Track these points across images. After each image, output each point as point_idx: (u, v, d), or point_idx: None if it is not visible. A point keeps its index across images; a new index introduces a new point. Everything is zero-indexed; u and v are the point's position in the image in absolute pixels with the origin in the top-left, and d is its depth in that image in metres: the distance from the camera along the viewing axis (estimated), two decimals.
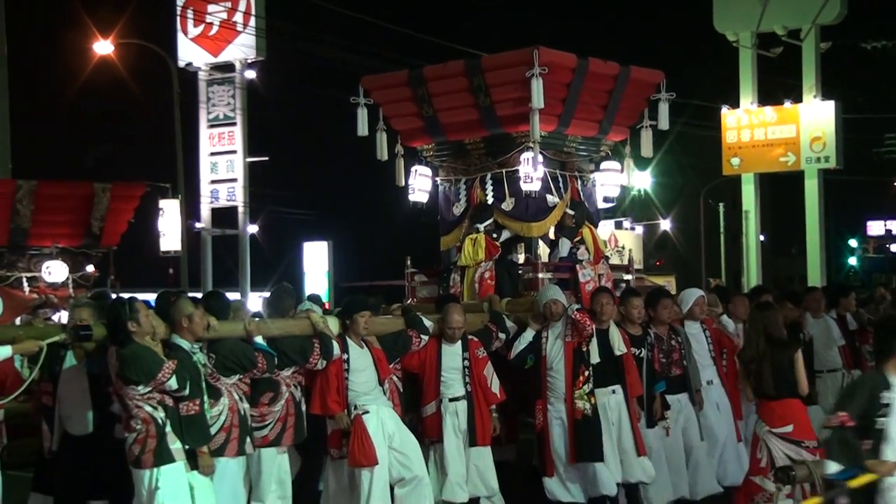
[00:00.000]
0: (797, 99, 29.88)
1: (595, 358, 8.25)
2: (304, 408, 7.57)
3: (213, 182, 30.32)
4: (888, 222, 54.78)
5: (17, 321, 10.27)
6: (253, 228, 31.27)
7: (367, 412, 7.55)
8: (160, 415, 6.34)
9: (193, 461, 6.44)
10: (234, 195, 30.02)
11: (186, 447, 6.41)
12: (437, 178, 10.46)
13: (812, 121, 29.45)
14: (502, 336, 8.57)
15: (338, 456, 7.60)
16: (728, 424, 9.05)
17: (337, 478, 7.70)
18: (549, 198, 9.87)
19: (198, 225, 29.91)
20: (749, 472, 7.72)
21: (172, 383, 6.32)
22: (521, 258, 10.14)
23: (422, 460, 7.75)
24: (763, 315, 7.52)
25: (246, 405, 7.13)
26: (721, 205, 44.27)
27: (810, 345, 10.40)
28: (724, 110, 30.89)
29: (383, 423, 7.61)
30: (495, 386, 8.22)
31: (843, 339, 10.62)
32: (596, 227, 10.34)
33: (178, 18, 30.03)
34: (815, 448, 7.11)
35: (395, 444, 7.63)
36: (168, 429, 6.34)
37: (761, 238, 32.47)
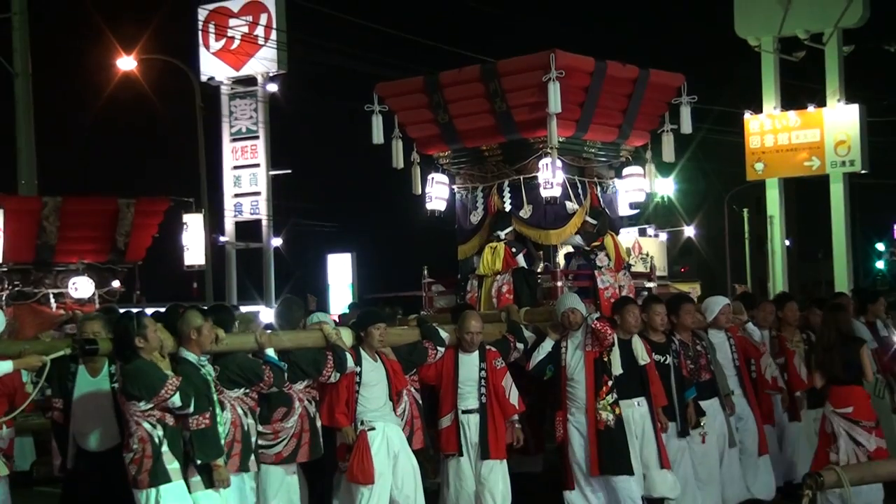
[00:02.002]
0: (821, 103, 29.68)
1: (618, 369, 8.13)
2: (318, 423, 7.45)
3: (237, 196, 30.45)
4: None
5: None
6: (277, 241, 31.39)
7: (373, 429, 7.45)
8: (158, 433, 6.26)
9: (207, 475, 6.36)
10: (258, 209, 30.13)
11: (198, 462, 6.33)
12: (454, 186, 10.37)
13: (836, 124, 29.25)
14: (520, 346, 8.46)
15: (343, 469, 7.51)
16: (752, 435, 8.93)
17: (347, 492, 7.58)
18: (569, 205, 9.75)
19: (222, 239, 30.03)
20: (821, 445, 8.55)
21: (176, 400, 6.24)
22: (541, 266, 10.04)
23: (416, 484, 7.60)
24: (835, 315, 8.69)
25: (251, 420, 7.02)
26: (745, 210, 44.03)
27: None
28: (747, 115, 30.71)
29: (389, 440, 7.49)
30: (514, 397, 8.09)
31: (875, 343, 10.47)
32: (617, 234, 10.24)
33: (200, 33, 30.25)
34: (871, 427, 8.23)
35: (396, 465, 7.50)
36: (165, 448, 6.26)
37: (787, 243, 32.24)
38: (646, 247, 31.96)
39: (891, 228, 56.34)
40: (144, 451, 6.24)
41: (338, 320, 10.40)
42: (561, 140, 9.39)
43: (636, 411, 8.19)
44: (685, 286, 28.64)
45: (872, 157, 30.00)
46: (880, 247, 53.69)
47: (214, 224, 28.80)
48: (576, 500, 8.19)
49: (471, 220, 10.09)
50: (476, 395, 8.05)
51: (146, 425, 6.25)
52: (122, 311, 8.14)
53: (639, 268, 11.39)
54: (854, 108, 29.20)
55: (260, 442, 7.16)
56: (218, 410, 6.58)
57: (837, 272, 29.28)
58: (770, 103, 30.17)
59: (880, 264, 53.60)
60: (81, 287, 16.95)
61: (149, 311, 7.14)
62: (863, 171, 29.68)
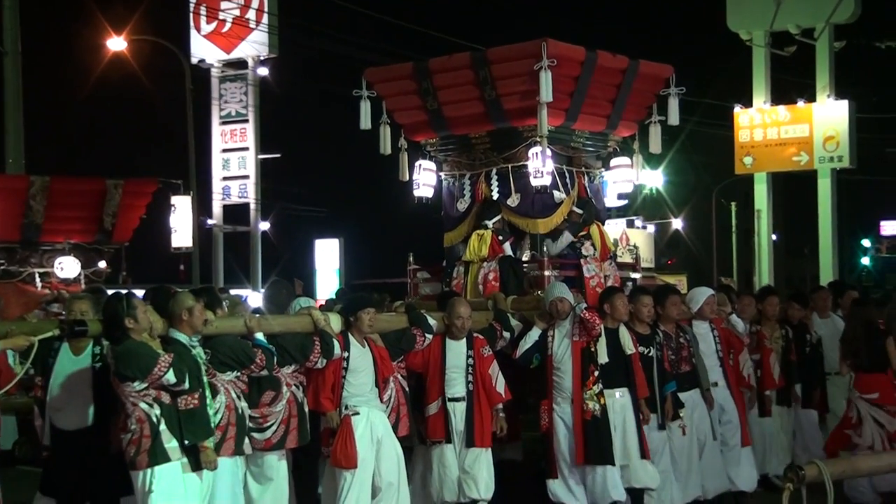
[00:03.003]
0: (810, 98, 29.76)
1: (604, 358, 8.15)
2: (306, 409, 7.45)
3: (225, 179, 30.42)
4: None
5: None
6: (265, 225, 31.33)
7: (357, 413, 7.44)
8: (155, 412, 6.24)
9: (195, 457, 6.35)
10: (246, 192, 30.11)
11: (187, 443, 6.32)
12: (442, 174, 10.35)
13: (825, 120, 29.33)
14: (507, 335, 8.47)
15: (326, 454, 7.51)
16: (734, 427, 8.96)
17: (332, 478, 7.58)
18: (556, 194, 9.75)
19: (209, 221, 29.99)
20: (841, 426, 9.24)
21: (170, 377, 6.21)
22: (527, 255, 10.05)
23: (400, 470, 7.61)
24: (862, 309, 9.42)
25: (244, 404, 7.01)
26: (733, 204, 44.13)
27: (818, 346, 10.32)
28: (737, 109, 30.78)
29: (373, 426, 7.49)
30: (500, 385, 8.11)
31: None
32: (603, 224, 10.25)
33: (192, 15, 30.16)
34: (894, 411, 8.83)
35: (380, 450, 7.51)
36: (163, 427, 6.24)
37: (774, 238, 32.35)
38: (633, 238, 31.99)
39: (877, 225, 56.58)
40: (143, 431, 6.22)
41: (323, 304, 10.42)
42: (550, 129, 9.38)
43: (617, 402, 8.20)
44: (672, 278, 28.70)
45: (860, 153, 30.12)
46: (866, 243, 53.91)
47: (202, 207, 28.74)
48: (559, 490, 8.20)
49: (458, 208, 10.08)
50: (463, 383, 8.07)
51: (143, 405, 6.23)
52: (110, 291, 8.11)
53: (626, 259, 11.41)
54: (843, 104, 29.29)
55: (249, 425, 7.15)
56: (208, 393, 6.57)
57: (823, 267, 29.40)
58: (760, 97, 30.24)
59: (866, 260, 53.81)
60: (67, 267, 16.92)
61: (139, 292, 7.10)
62: (851, 167, 29.80)
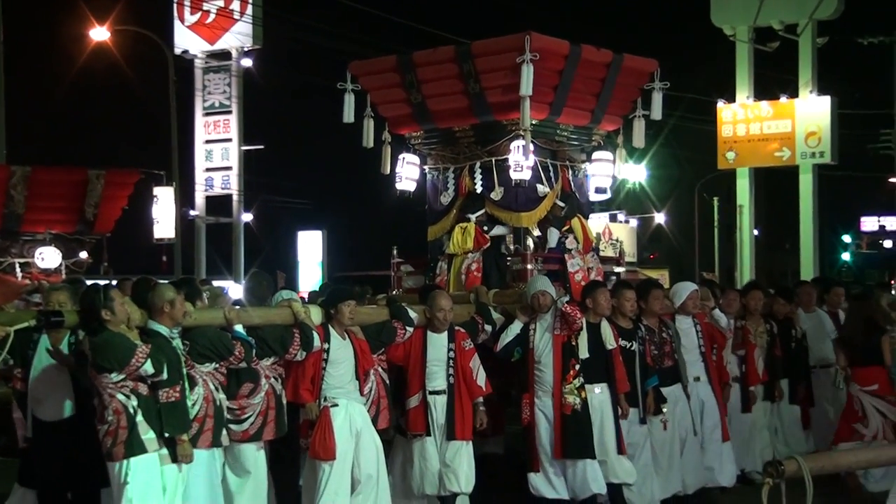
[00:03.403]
0: (793, 94, 29.88)
1: (584, 353, 8.15)
2: (284, 401, 7.43)
3: (208, 170, 30.37)
4: (882, 218, 54.81)
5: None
6: (247, 217, 31.30)
7: (335, 405, 7.43)
8: (132, 403, 6.21)
9: (172, 449, 6.34)
10: (229, 183, 30.08)
11: (166, 435, 6.30)
12: (425, 167, 10.30)
13: (807, 116, 29.46)
14: (488, 328, 8.45)
15: (305, 446, 7.49)
16: (714, 422, 8.98)
17: (312, 470, 7.55)
18: (540, 187, 9.72)
19: (192, 213, 29.93)
20: (847, 420, 9.34)
21: (148, 367, 6.19)
22: (511, 248, 10.04)
23: (380, 462, 7.59)
24: (861, 304, 9.67)
25: (222, 395, 6.99)
26: (716, 199, 44.29)
27: (803, 340, 10.37)
28: (720, 104, 30.89)
29: (351, 418, 7.47)
30: (481, 379, 8.10)
31: (836, 333, 10.59)
32: (587, 217, 10.24)
33: (175, 6, 30.04)
34: (894, 401, 9.04)
35: (359, 443, 7.50)
36: (140, 418, 6.22)
37: (755, 233, 32.49)
38: (616, 232, 32.06)
39: (857, 221, 56.94)
40: (119, 422, 6.20)
41: (306, 298, 10.41)
42: (534, 123, 9.36)
43: (595, 397, 8.19)
44: (654, 272, 28.81)
45: (842, 149, 30.26)
46: (846, 239, 54.26)
47: (185, 198, 28.66)
48: (540, 483, 8.21)
49: (441, 201, 10.04)
50: (444, 376, 8.05)
51: (120, 396, 6.21)
52: (89, 282, 8.08)
53: (608, 253, 11.41)
54: (825, 100, 29.43)
55: (227, 417, 7.13)
56: (187, 386, 6.56)
57: (804, 262, 29.55)
58: (743, 93, 30.35)
59: (846, 256, 54.16)
60: (48, 257, 16.88)
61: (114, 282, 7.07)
62: (832, 163, 29.94)
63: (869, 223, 57.40)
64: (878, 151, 33.91)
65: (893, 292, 11.05)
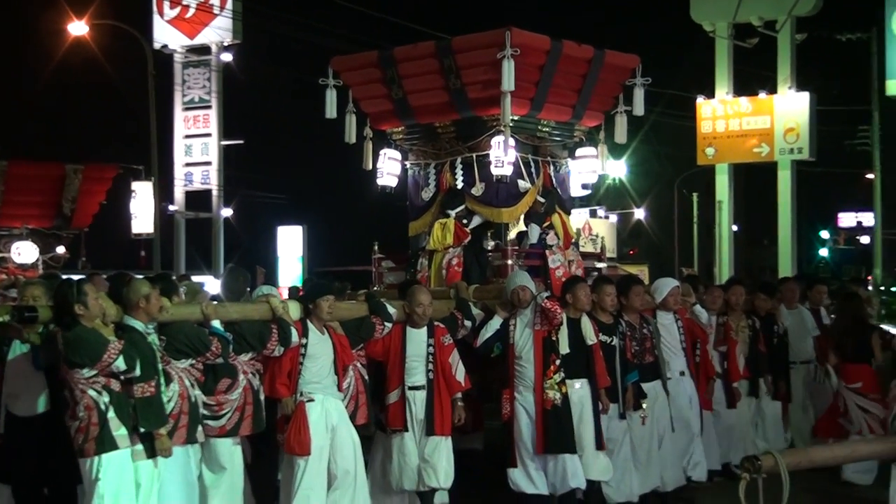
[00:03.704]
0: (772, 90, 30.01)
1: (565, 348, 8.15)
2: (262, 397, 7.42)
3: (188, 165, 30.25)
4: (859, 214, 55.03)
5: None
6: (227, 212, 31.20)
7: (311, 400, 7.41)
8: (104, 400, 6.19)
9: (150, 444, 6.32)
10: (209, 178, 29.96)
11: (142, 430, 6.28)
12: (407, 163, 10.30)
13: (786, 112, 29.60)
14: (468, 323, 8.45)
15: (281, 441, 7.47)
16: (696, 417, 9.02)
17: (289, 465, 7.53)
18: (521, 183, 9.72)
19: (171, 208, 29.81)
20: (831, 415, 9.69)
21: (120, 364, 6.17)
22: (491, 244, 10.05)
23: (357, 458, 7.58)
24: (851, 303, 9.85)
25: (197, 392, 6.98)
26: (695, 195, 44.44)
27: (785, 336, 10.42)
28: (700, 100, 30.98)
29: (328, 413, 7.45)
30: (460, 374, 8.10)
31: (817, 330, 10.65)
32: (569, 214, 10.25)
33: (154, 0, 29.87)
34: (878, 399, 9.25)
35: (335, 438, 7.49)
36: (111, 414, 6.20)
37: (734, 228, 32.62)
38: (596, 228, 32.20)
39: (835, 217, 57.22)
40: (90, 418, 6.17)
41: (287, 293, 10.38)
42: (515, 118, 9.36)
43: (575, 392, 8.19)
44: (633, 268, 28.90)
45: (820, 145, 30.41)
46: (824, 234, 54.54)
47: (164, 193, 28.53)
48: (519, 478, 8.21)
49: (422, 197, 10.04)
50: (423, 371, 8.04)
51: (91, 392, 6.18)
52: (64, 277, 8.04)
53: (588, 248, 11.42)
54: (804, 96, 29.56)
55: (204, 413, 7.12)
56: (163, 381, 6.53)
57: (782, 258, 29.68)
58: (723, 89, 30.45)
59: (823, 252, 54.45)
60: (25, 252, 16.82)
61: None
62: (810, 159, 30.08)
63: (846, 219, 57.66)
64: (856, 148, 34.09)
65: (870, 288, 11.20)
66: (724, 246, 31.63)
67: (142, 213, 28.34)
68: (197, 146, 30.25)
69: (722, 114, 30.55)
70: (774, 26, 29.34)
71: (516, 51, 9.00)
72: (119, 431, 6.21)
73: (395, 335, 8.07)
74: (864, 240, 51.91)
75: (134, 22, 28.20)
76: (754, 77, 31.35)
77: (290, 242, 33.18)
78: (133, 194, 28.51)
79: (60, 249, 17.70)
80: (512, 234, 10.06)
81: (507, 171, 9.38)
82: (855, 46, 31.92)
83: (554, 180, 10.05)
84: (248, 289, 8.17)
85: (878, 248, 32.91)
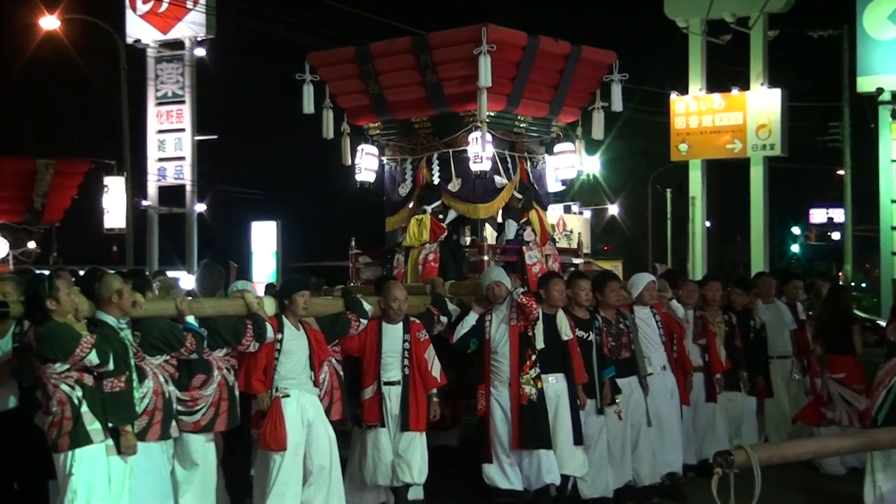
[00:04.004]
0: (745, 86, 30.18)
1: (540, 343, 8.15)
2: (237, 392, 7.38)
3: (161, 160, 30.12)
4: (830, 210, 55.50)
5: None
6: (200, 207, 31.07)
7: (287, 396, 7.39)
8: (77, 394, 6.13)
9: (117, 440, 6.27)
10: (182, 173, 29.84)
11: (110, 425, 6.23)
12: (384, 158, 10.25)
13: (758, 108, 29.78)
14: (444, 319, 8.45)
15: (256, 437, 7.45)
16: (676, 410, 9.03)
17: (263, 461, 7.51)
18: (497, 179, 9.70)
19: (144, 203, 29.68)
20: (815, 404, 9.96)
21: (93, 358, 6.11)
22: (468, 240, 10.05)
23: (332, 453, 7.56)
24: (837, 296, 10.13)
25: (172, 388, 6.95)
26: (668, 191, 44.63)
27: (763, 331, 10.47)
28: (673, 96, 31.13)
29: (303, 409, 7.44)
30: (436, 370, 8.09)
31: (794, 324, 10.71)
32: (545, 209, 10.26)
33: None
34: (861, 390, 9.42)
35: (311, 433, 7.47)
36: (84, 409, 6.14)
37: (707, 224, 32.78)
38: (570, 224, 32.25)
39: (806, 213, 57.68)
40: (64, 413, 6.12)
41: (263, 289, 10.34)
42: (492, 114, 9.34)
43: (551, 387, 8.18)
44: (607, 264, 29.01)
45: (792, 141, 30.62)
46: (796, 230, 54.99)
47: (137, 188, 28.39)
48: (494, 473, 8.21)
49: (399, 193, 10.01)
50: (399, 367, 8.03)
51: (64, 387, 6.12)
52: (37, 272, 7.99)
53: (563, 244, 11.42)
54: (776, 93, 29.76)
55: (178, 408, 7.09)
56: (135, 376, 6.49)
57: (754, 254, 29.88)
58: (696, 85, 30.61)
59: (795, 248, 54.89)
60: None
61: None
62: (782, 155, 30.28)
63: (818, 215, 58.15)
64: (827, 144, 34.31)
65: (841, 283, 11.37)
66: (698, 242, 31.78)
67: (114, 208, 28.21)
68: (170, 141, 30.12)
69: (695, 110, 30.71)
70: (747, 23, 29.52)
71: (493, 47, 8.99)
72: (93, 426, 6.16)
73: (370, 331, 8.05)
74: (836, 236, 52.40)
75: (106, 16, 28.08)
76: (727, 73, 31.54)
77: (263, 238, 33.05)
78: (105, 189, 28.37)
79: (31, 244, 17.58)
80: (489, 230, 10.06)
81: (486, 166, 9.36)
82: (827, 43, 32.14)
83: (531, 176, 10.04)
84: (223, 285, 8.13)
85: (848, 244, 33.15)
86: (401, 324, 8.09)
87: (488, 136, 9.33)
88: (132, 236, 26.32)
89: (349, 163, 10.27)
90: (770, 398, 10.42)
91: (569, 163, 10.28)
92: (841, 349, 9.70)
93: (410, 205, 9.89)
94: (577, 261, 10.50)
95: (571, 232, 29.84)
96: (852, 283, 32.93)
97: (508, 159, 9.86)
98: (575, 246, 11.37)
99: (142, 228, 29.05)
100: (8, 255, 16.84)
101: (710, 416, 9.69)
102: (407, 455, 8.00)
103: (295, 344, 7.51)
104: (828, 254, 54.90)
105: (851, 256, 33.25)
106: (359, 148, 10.22)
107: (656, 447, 8.83)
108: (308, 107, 10.04)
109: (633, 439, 8.67)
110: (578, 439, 8.21)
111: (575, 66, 9.85)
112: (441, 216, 9.62)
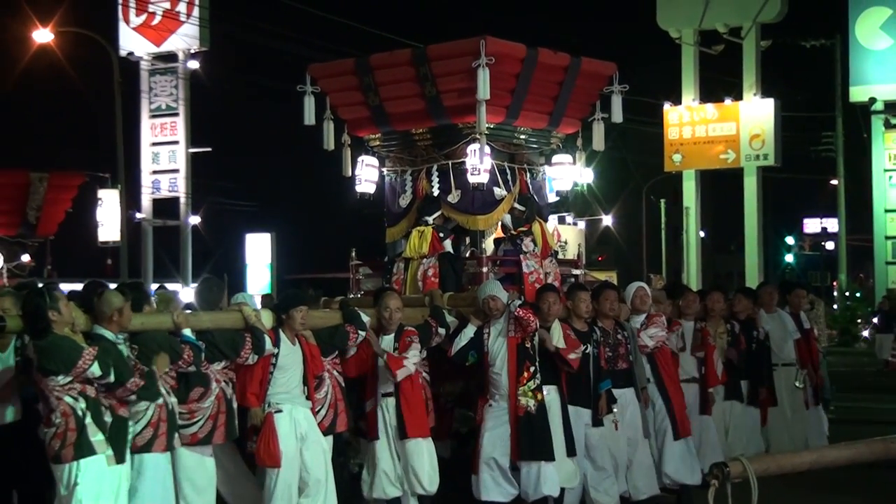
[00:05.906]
0: (738, 96, 30.27)
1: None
2: (235, 405, 7.38)
3: (155, 172, 30.14)
4: (824, 220, 55.57)
5: None
6: (195, 219, 31.07)
7: (279, 411, 7.40)
8: (80, 406, 6.17)
9: (119, 450, 6.32)
10: (176, 186, 29.85)
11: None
12: (384, 169, 10.27)
13: (752, 118, 29.89)
14: (442, 331, 8.42)
15: (250, 450, 7.46)
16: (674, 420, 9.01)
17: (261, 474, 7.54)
18: (497, 190, 9.70)
19: (138, 215, 29.68)
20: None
21: (95, 370, 6.15)
22: (467, 251, 10.05)
23: (327, 465, 7.58)
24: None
25: (173, 399, 6.95)
26: (662, 201, 44.69)
27: (766, 340, 10.47)
28: (667, 106, 31.22)
29: (296, 423, 7.45)
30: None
31: (798, 333, 10.72)
32: (546, 221, 10.27)
33: (120, 7, 29.74)
34: None
35: (305, 446, 7.49)
36: (88, 420, 6.18)
37: (701, 234, 32.86)
38: (564, 234, 32.22)
39: (800, 222, 57.76)
40: (67, 424, 6.15)
41: (260, 301, 10.33)
42: (491, 126, 9.37)
43: (545, 399, 8.19)
44: (602, 274, 29.00)
45: (785, 151, 30.73)
46: (790, 240, 55.06)
47: (131, 200, 28.38)
48: (483, 484, 8.14)
49: (399, 204, 10.01)
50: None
51: (68, 399, 6.15)
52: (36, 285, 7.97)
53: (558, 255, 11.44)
54: (769, 103, 29.87)
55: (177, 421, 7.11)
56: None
57: (748, 264, 29.94)
58: (689, 95, 30.71)
59: (789, 257, 54.97)
60: None
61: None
62: (776, 165, 30.38)
63: (811, 225, 58.25)
64: (821, 154, 34.44)
65: (835, 293, 11.36)
66: (692, 252, 31.85)
67: (108, 220, 28.17)
68: (164, 154, 30.14)
69: (688, 120, 30.81)
70: (740, 33, 29.64)
71: (491, 59, 9.01)
72: (96, 437, 6.20)
73: (368, 344, 8.05)
74: (829, 246, 52.45)
75: (99, 29, 28.09)
76: (720, 84, 31.64)
77: (258, 250, 33.09)
78: (99, 202, 28.33)
79: (25, 258, 17.53)
80: (488, 243, 10.07)
81: (484, 178, 9.38)
82: (819, 53, 32.29)
83: (531, 187, 10.06)
84: (223, 298, 8.14)
85: (842, 253, 33.26)
86: (393, 334, 8.10)
87: (487, 149, 9.36)
88: (126, 249, 26.30)
89: (350, 174, 10.29)
90: (773, 406, 10.42)
91: (566, 174, 10.29)
92: None
93: (411, 216, 9.89)
94: (576, 272, 10.50)
95: (566, 243, 29.83)
96: (846, 293, 32.99)
97: (508, 171, 9.86)
98: (573, 257, 11.37)
99: (136, 241, 29.06)
100: (2, 268, 16.79)
101: (705, 428, 9.68)
102: (414, 462, 8.01)
103: (290, 359, 7.52)
104: (822, 264, 54.98)
105: (846, 266, 33.34)
106: (359, 159, 10.24)
107: (655, 458, 8.82)
108: (309, 118, 10.06)
109: (628, 454, 8.64)
110: (571, 451, 8.20)
111: (574, 78, 9.87)
112: (442, 235, 9.61)
